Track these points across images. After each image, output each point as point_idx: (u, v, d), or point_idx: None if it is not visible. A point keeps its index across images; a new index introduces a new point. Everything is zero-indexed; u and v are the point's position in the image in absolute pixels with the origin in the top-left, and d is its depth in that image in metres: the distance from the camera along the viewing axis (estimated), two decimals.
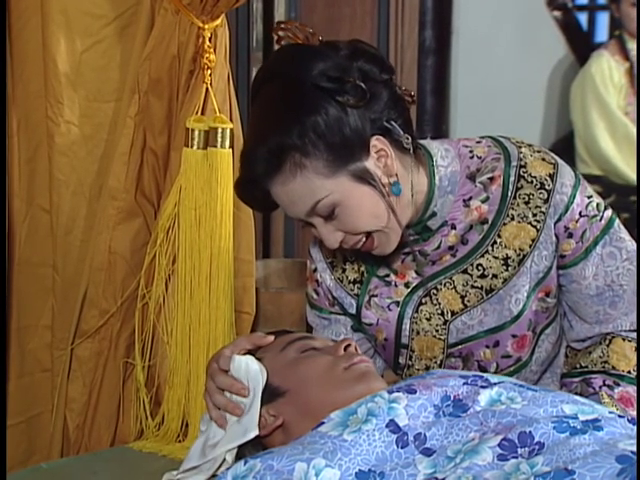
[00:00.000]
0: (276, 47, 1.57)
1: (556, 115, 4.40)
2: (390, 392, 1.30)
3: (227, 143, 1.88)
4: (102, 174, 1.97)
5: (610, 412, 1.26)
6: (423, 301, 1.62)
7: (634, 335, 1.61)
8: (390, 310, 1.63)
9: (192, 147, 1.87)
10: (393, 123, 1.48)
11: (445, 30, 3.82)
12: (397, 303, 1.63)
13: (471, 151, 1.59)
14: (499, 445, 1.17)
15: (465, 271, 1.59)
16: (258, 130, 1.47)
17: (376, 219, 1.49)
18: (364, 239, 1.51)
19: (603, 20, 4.56)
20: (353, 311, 1.67)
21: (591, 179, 3.84)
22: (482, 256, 1.58)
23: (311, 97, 1.43)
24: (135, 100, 1.91)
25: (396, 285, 1.63)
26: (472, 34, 4.02)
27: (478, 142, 1.61)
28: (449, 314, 1.61)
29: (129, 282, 1.94)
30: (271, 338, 1.50)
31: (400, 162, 1.50)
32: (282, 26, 1.53)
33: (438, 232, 1.58)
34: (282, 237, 3.30)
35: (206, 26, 1.87)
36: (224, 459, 1.44)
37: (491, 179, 1.57)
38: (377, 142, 1.47)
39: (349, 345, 1.47)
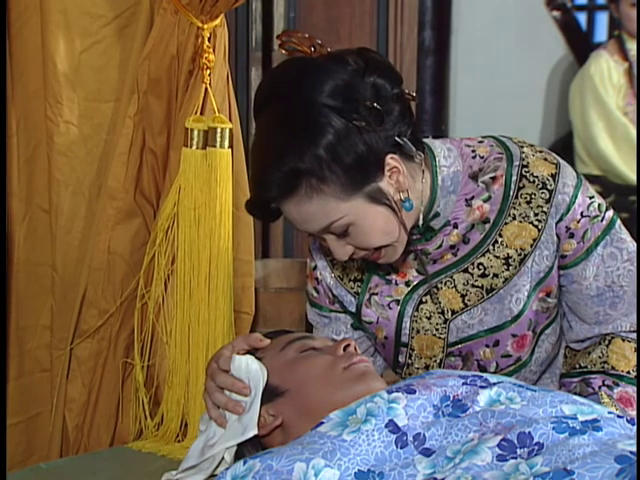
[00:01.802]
0: (278, 50, 1.55)
1: (555, 115, 4.40)
2: (389, 392, 1.30)
3: (226, 143, 1.88)
4: (101, 174, 1.96)
5: (609, 412, 1.26)
6: (423, 300, 1.62)
7: (633, 336, 1.61)
8: (390, 308, 1.64)
9: (191, 147, 1.87)
10: (404, 139, 1.47)
11: (444, 30, 3.82)
12: (397, 301, 1.63)
13: (473, 151, 1.59)
14: (498, 445, 1.17)
15: (466, 270, 1.59)
16: (269, 153, 1.44)
17: (388, 236, 1.49)
18: (373, 252, 1.51)
19: (602, 20, 4.56)
20: (353, 309, 1.67)
21: (590, 179, 3.82)
22: (483, 255, 1.58)
23: (324, 118, 1.40)
24: (134, 100, 1.91)
25: (397, 283, 1.63)
26: (471, 34, 4.02)
27: (480, 142, 1.61)
28: (449, 313, 1.61)
29: (128, 282, 1.94)
30: (268, 341, 1.50)
31: (409, 174, 1.50)
32: (287, 33, 1.51)
33: (441, 232, 1.58)
34: (281, 237, 3.30)
35: (205, 26, 1.86)
36: (222, 458, 1.44)
37: (493, 179, 1.57)
38: (391, 160, 1.46)
39: (348, 345, 1.47)
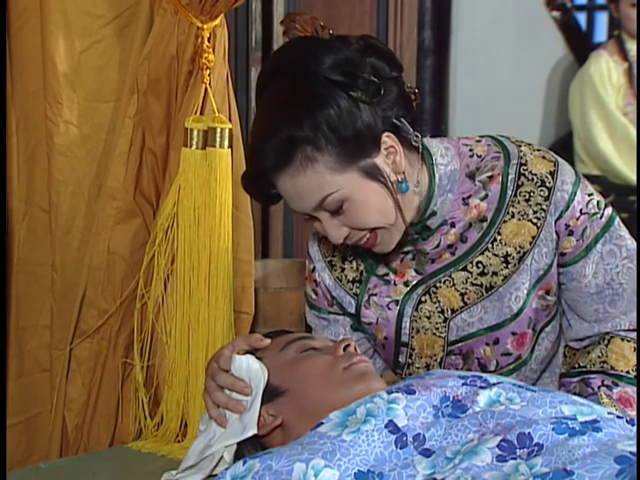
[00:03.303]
0: (283, 40, 1.56)
1: (555, 115, 4.40)
2: (389, 392, 1.30)
3: (226, 143, 1.88)
4: (101, 174, 1.96)
5: (609, 413, 1.26)
6: (423, 299, 1.62)
7: (633, 335, 1.61)
8: (389, 309, 1.64)
9: (191, 147, 1.87)
10: (402, 120, 1.49)
11: (444, 30, 3.82)
12: (396, 302, 1.63)
13: (471, 150, 1.59)
14: (498, 446, 1.17)
15: (464, 269, 1.59)
16: (268, 122, 1.46)
17: (383, 216, 1.49)
18: (368, 235, 1.51)
19: (602, 20, 4.56)
20: (352, 310, 1.67)
21: (590, 179, 3.82)
22: (482, 254, 1.58)
23: (323, 90, 1.42)
24: (134, 100, 1.91)
25: (395, 284, 1.63)
26: (471, 34, 4.02)
27: (478, 141, 1.61)
28: (449, 312, 1.61)
29: (128, 282, 1.93)
30: (268, 341, 1.50)
31: (407, 159, 1.51)
32: (292, 18, 1.52)
33: (438, 231, 1.58)
34: (281, 237, 3.30)
35: (205, 26, 1.86)
36: (222, 457, 1.44)
37: (490, 177, 1.57)
38: (387, 139, 1.47)
39: (348, 345, 1.47)
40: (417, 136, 1.51)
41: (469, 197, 1.57)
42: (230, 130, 1.89)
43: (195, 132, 1.87)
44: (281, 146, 1.42)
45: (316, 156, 1.42)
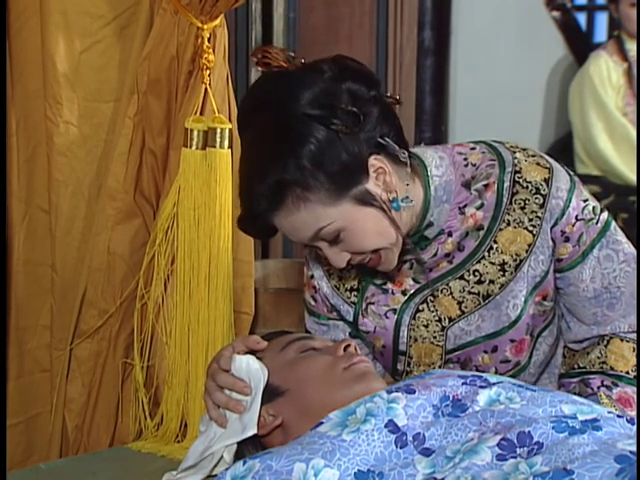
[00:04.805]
0: (257, 70, 1.56)
1: (555, 115, 4.40)
2: (389, 392, 1.30)
3: (226, 143, 1.88)
4: (101, 174, 1.96)
5: (609, 412, 1.26)
6: (420, 308, 1.62)
7: (632, 336, 1.61)
8: (387, 318, 1.64)
9: (191, 147, 1.87)
10: (387, 139, 1.47)
11: (444, 30, 3.82)
12: (394, 310, 1.63)
13: (465, 159, 1.59)
14: (498, 445, 1.17)
15: (462, 277, 1.59)
16: (254, 166, 1.46)
17: (381, 237, 1.49)
18: (371, 256, 1.51)
19: (602, 20, 4.56)
20: (350, 318, 1.67)
21: (590, 179, 3.86)
22: (478, 262, 1.58)
23: (303, 127, 1.41)
24: (134, 100, 1.91)
25: (393, 293, 1.63)
26: (471, 34, 4.01)
27: (472, 148, 1.61)
28: (446, 320, 1.61)
29: (128, 282, 1.93)
30: (265, 344, 1.50)
31: (397, 175, 1.50)
32: (263, 50, 1.52)
33: (435, 240, 1.58)
34: (281, 237, 3.30)
35: (205, 26, 1.86)
36: (222, 457, 1.44)
37: (486, 186, 1.57)
38: (375, 161, 1.46)
39: (349, 345, 1.47)
40: (404, 153, 1.49)
41: (465, 206, 1.57)
42: (230, 130, 1.89)
43: (195, 132, 1.87)
44: (270, 191, 1.42)
45: (307, 195, 1.42)
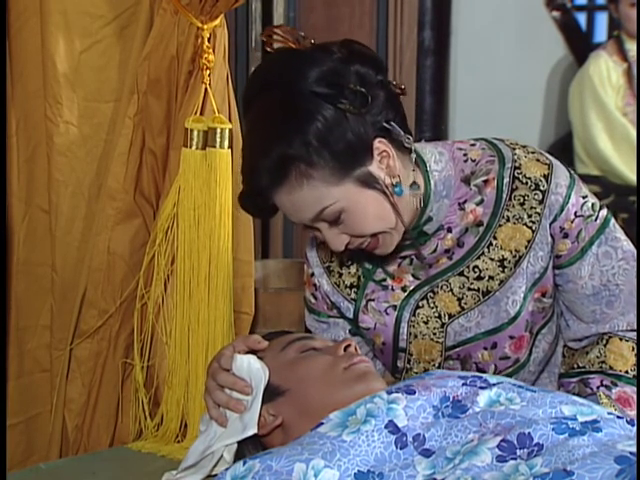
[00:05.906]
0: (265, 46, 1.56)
1: (555, 115, 4.40)
2: (389, 393, 1.30)
3: (226, 143, 1.88)
4: (101, 174, 1.96)
5: (609, 413, 1.26)
6: (420, 304, 1.62)
7: (631, 335, 1.61)
8: (387, 314, 1.63)
9: (191, 147, 1.87)
10: (392, 123, 1.48)
11: (444, 30, 3.82)
12: (394, 307, 1.63)
13: (465, 154, 1.59)
14: (498, 446, 1.17)
15: (461, 273, 1.59)
16: (258, 142, 1.46)
17: (382, 221, 1.49)
18: (369, 240, 1.51)
19: (602, 20, 4.56)
20: (350, 315, 1.67)
21: (590, 179, 3.86)
22: (478, 258, 1.58)
23: (310, 105, 1.42)
24: (134, 100, 1.91)
25: (393, 289, 1.63)
26: (471, 34, 4.01)
27: (472, 145, 1.61)
28: (446, 317, 1.61)
29: (128, 282, 1.94)
30: (266, 344, 1.50)
31: (400, 161, 1.50)
32: (271, 30, 1.52)
33: (434, 236, 1.58)
34: (281, 237, 3.30)
35: (205, 26, 1.86)
36: (221, 456, 1.44)
37: (485, 182, 1.57)
38: (379, 144, 1.46)
39: (349, 345, 1.47)
40: (408, 138, 1.50)
41: (465, 202, 1.57)
42: (230, 130, 1.89)
43: (195, 132, 1.87)
44: (274, 166, 1.42)
45: (310, 172, 1.42)
